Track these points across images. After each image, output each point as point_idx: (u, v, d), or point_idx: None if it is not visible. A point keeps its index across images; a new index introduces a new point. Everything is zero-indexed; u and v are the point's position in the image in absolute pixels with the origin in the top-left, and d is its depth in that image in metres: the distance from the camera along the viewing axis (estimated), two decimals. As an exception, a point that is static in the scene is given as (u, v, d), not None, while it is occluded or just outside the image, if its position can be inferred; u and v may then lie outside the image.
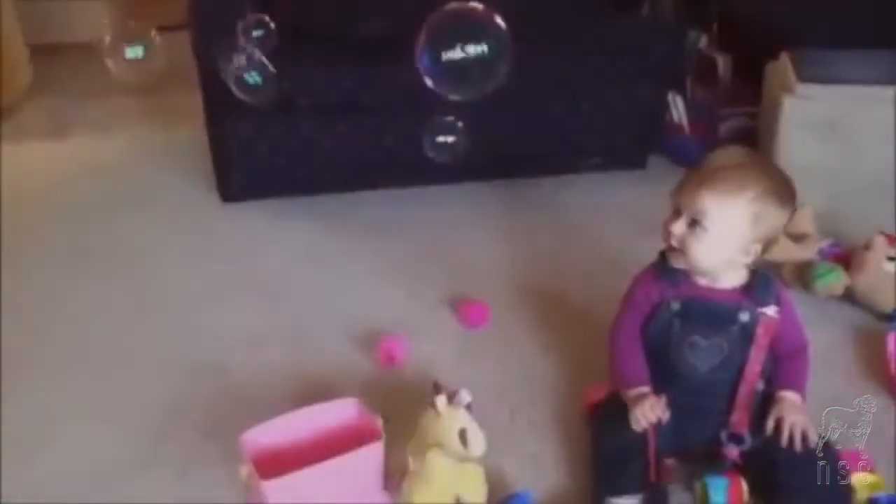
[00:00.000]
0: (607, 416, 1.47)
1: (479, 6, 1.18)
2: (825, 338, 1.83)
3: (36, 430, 1.65)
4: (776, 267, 2.06)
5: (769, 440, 1.37)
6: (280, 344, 1.92)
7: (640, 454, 1.36)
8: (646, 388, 1.42)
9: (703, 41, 3.12)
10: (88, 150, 3.40)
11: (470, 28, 1.19)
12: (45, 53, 4.90)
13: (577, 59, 2.61)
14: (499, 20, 1.17)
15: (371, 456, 1.40)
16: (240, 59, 1.70)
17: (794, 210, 1.43)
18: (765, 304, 1.40)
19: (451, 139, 1.49)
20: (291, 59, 2.55)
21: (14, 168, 3.19)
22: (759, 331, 1.39)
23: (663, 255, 1.45)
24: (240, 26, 1.71)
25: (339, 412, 1.51)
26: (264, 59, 1.70)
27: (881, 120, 2.18)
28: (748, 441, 1.38)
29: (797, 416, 1.37)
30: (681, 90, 2.92)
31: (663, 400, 1.39)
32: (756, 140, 2.54)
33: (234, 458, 1.43)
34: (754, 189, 1.33)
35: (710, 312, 1.41)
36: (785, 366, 1.44)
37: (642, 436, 1.37)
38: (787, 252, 2.05)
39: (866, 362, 1.78)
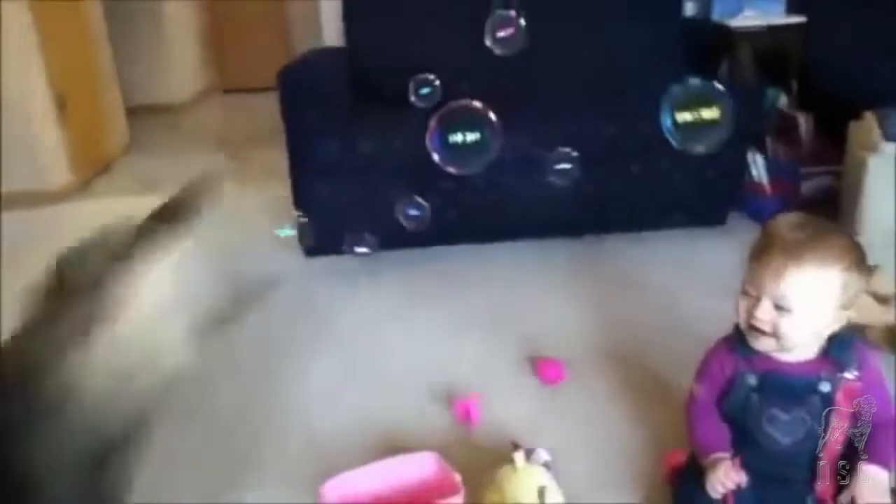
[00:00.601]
0: (688, 481, 1.44)
1: (477, 104, 1.56)
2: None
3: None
4: (861, 330, 2.01)
5: None
6: (359, 397, 1.96)
7: None
8: (722, 454, 1.37)
9: (783, 100, 3.10)
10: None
11: (469, 119, 1.55)
12: (142, 114, 5.19)
13: (655, 118, 2.62)
14: (491, 114, 1.55)
15: None
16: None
17: (871, 269, 1.39)
18: (845, 367, 1.34)
19: (569, 166, 1.83)
20: (378, 122, 2.66)
21: (105, 221, 3.37)
22: (839, 396, 1.33)
23: (738, 329, 1.41)
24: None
25: (418, 465, 1.54)
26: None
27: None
28: None
29: (875, 498, 1.29)
30: (761, 149, 2.90)
31: (737, 462, 1.35)
32: (839, 200, 2.50)
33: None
34: (841, 260, 1.27)
35: (789, 386, 1.35)
36: (873, 436, 1.35)
37: (721, 503, 1.35)
38: (874, 315, 1.99)
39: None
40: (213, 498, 1.63)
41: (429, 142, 1.52)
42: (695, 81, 1.45)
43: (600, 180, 2.70)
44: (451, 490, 1.43)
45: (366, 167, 2.58)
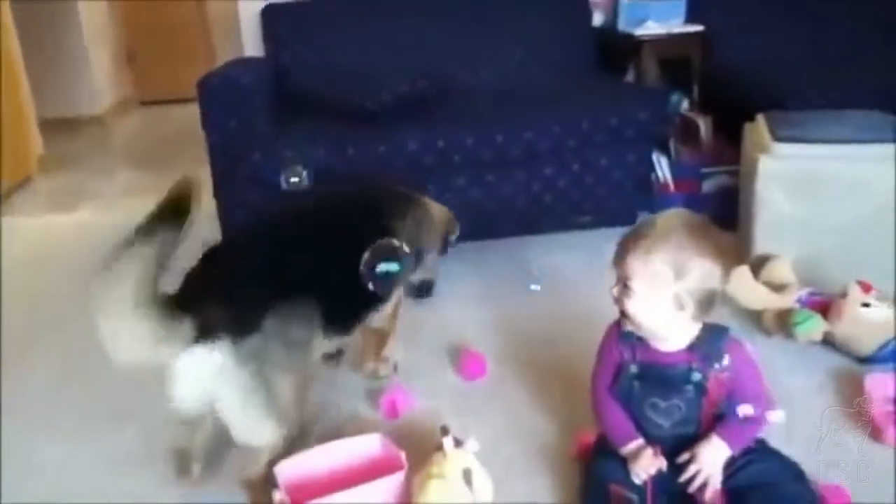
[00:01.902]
0: (597, 458, 1.55)
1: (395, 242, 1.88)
2: (806, 381, 1.94)
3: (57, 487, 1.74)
4: (757, 315, 2.17)
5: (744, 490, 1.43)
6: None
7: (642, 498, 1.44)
8: (639, 441, 1.49)
9: (685, 104, 3.29)
10: (97, 223, 3.51)
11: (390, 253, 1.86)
12: (57, 127, 5.08)
13: (569, 123, 2.77)
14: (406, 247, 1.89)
15: (396, 484, 1.51)
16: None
17: (728, 265, 1.45)
18: (714, 359, 1.46)
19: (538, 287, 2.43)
20: (300, 131, 2.72)
21: (25, 239, 3.31)
22: (710, 385, 1.46)
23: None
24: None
25: (364, 446, 1.64)
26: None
27: (853, 175, 2.32)
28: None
29: (709, 464, 1.43)
30: (665, 151, 3.07)
31: (658, 450, 1.46)
32: (737, 196, 2.67)
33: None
34: (669, 246, 1.40)
35: (664, 376, 1.48)
36: (733, 417, 1.48)
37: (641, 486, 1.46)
38: (767, 301, 2.16)
39: (845, 404, 1.85)
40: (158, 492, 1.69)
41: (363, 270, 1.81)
42: None
43: (518, 183, 2.82)
44: (396, 467, 1.53)
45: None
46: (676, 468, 1.47)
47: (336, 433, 1.76)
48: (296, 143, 2.65)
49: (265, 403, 1.46)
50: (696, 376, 1.46)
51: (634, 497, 1.42)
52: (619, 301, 1.47)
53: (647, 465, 1.45)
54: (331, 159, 2.64)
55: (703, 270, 1.40)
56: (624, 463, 1.48)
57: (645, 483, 1.45)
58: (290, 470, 1.54)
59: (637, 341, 1.51)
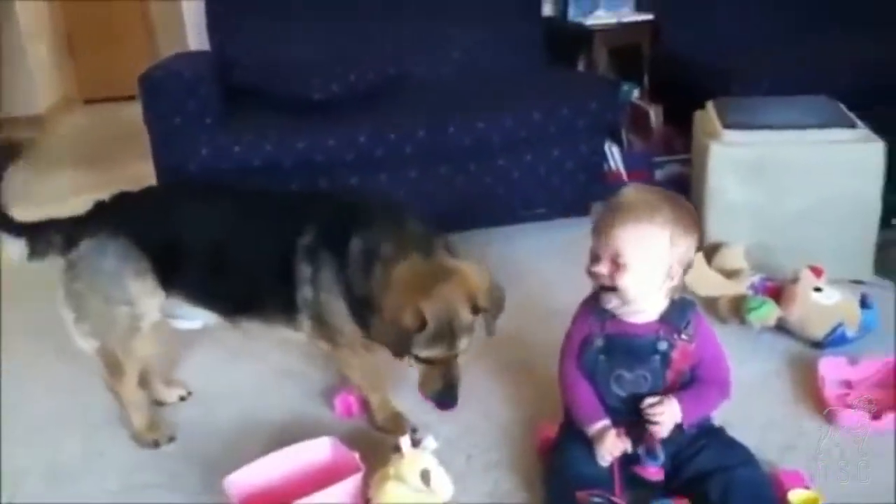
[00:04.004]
0: (560, 451, 1.53)
1: None
2: (761, 366, 1.95)
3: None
4: (712, 302, 2.18)
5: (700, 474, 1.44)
6: (240, 398, 1.97)
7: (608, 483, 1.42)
8: (604, 422, 1.47)
9: (636, 93, 3.30)
10: (41, 222, 3.40)
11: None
12: (-3, 126, 4.91)
13: (520, 114, 2.74)
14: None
15: (353, 487, 1.47)
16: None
17: (698, 235, 1.48)
18: (679, 329, 1.47)
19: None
20: (247, 124, 2.65)
21: None
22: (675, 355, 1.47)
23: (597, 294, 1.51)
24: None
25: (315, 451, 1.59)
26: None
27: (802, 160, 2.33)
28: (661, 456, 1.44)
29: (667, 415, 1.43)
30: (617, 140, 3.07)
31: (622, 431, 1.45)
32: (690, 184, 2.67)
33: None
34: (662, 214, 1.40)
35: (631, 347, 1.48)
36: (692, 388, 1.48)
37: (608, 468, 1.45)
38: (720, 288, 2.16)
39: (800, 388, 1.87)
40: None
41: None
42: None
43: (470, 175, 2.80)
44: (351, 469, 1.49)
45: (237, 169, 2.57)
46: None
47: (287, 437, 1.71)
48: (243, 137, 2.59)
49: (77, 316, 1.74)
50: (663, 345, 1.47)
51: (598, 500, 1.39)
52: (606, 278, 1.43)
53: (611, 446, 1.44)
54: (279, 153, 2.58)
55: (689, 240, 1.43)
56: (587, 452, 1.46)
57: (612, 466, 1.44)
58: (243, 481, 1.49)
59: (609, 315, 1.49)
